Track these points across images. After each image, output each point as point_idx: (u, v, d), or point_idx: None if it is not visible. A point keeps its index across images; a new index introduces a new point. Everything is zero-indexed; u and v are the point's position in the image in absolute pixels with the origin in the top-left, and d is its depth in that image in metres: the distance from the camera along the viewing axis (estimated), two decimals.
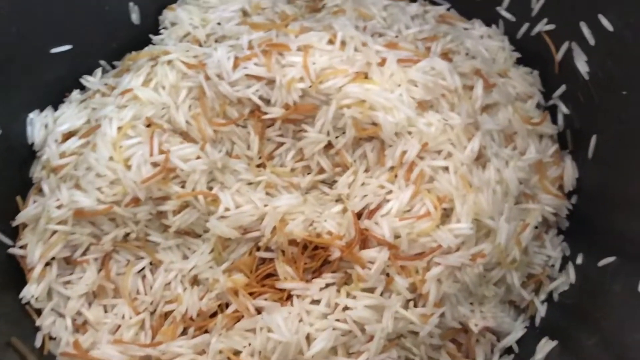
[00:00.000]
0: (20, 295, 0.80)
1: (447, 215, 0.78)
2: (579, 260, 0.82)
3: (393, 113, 0.79)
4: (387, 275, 0.77)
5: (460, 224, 0.76)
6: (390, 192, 0.79)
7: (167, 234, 0.84)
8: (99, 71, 0.94)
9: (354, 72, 0.82)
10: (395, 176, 0.80)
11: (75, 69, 0.92)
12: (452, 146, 0.79)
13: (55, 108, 0.90)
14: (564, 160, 0.88)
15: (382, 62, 0.82)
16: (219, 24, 0.94)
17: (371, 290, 0.76)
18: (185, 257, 0.84)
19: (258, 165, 0.88)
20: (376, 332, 0.75)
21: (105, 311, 0.82)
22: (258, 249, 0.82)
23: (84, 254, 0.82)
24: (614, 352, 0.70)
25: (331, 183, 0.87)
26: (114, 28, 0.95)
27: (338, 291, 0.77)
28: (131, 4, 0.95)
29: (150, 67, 0.89)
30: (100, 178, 0.80)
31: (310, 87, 0.82)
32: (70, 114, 0.88)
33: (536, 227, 0.83)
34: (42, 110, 0.89)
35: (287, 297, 0.79)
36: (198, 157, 0.82)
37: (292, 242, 0.80)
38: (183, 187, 0.81)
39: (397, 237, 0.76)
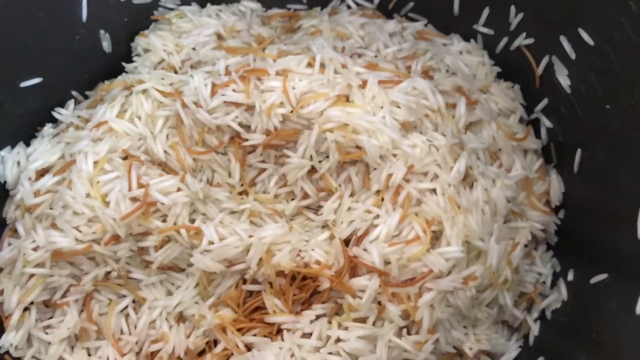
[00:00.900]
0: None
1: (436, 238, 0.76)
2: (570, 276, 0.81)
3: (377, 136, 0.78)
4: (379, 303, 0.75)
5: (450, 248, 0.74)
6: (377, 216, 0.77)
7: (150, 270, 0.81)
8: (71, 103, 0.91)
9: (335, 95, 0.80)
10: (382, 200, 0.78)
11: (46, 102, 0.89)
12: (438, 167, 0.77)
13: (27, 143, 0.87)
14: (549, 175, 0.87)
15: (363, 84, 0.80)
16: (193, 49, 0.92)
17: (363, 320, 0.75)
18: (169, 293, 0.81)
19: (240, 193, 0.86)
20: None
21: (89, 354, 0.79)
22: (244, 281, 0.79)
23: (63, 295, 0.79)
24: None
25: (316, 208, 0.85)
26: (85, 57, 0.92)
27: (329, 322, 0.75)
28: (102, 31, 0.92)
29: (124, 97, 0.86)
30: (77, 216, 0.77)
31: (291, 112, 0.80)
32: (43, 149, 0.85)
33: (526, 245, 0.82)
34: (13, 146, 0.86)
35: (277, 331, 0.77)
36: (179, 189, 0.79)
37: (280, 274, 0.77)
38: (164, 221, 0.79)
39: (387, 263, 0.75)
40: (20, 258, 0.76)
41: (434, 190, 0.77)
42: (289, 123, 0.82)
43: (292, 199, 0.86)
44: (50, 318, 0.79)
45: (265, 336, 0.76)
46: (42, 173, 0.83)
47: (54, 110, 0.89)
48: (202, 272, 0.79)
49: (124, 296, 0.81)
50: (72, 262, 0.78)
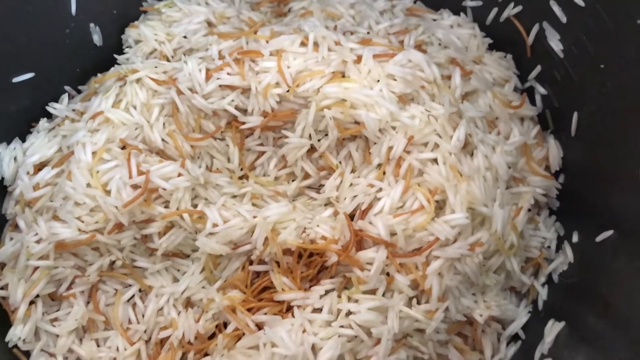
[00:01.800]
0: (7, 339, 0.76)
1: (440, 207, 0.76)
2: (575, 238, 0.81)
3: (375, 109, 0.78)
4: (387, 274, 0.75)
5: (455, 215, 0.74)
6: (380, 189, 0.77)
7: (154, 257, 0.80)
8: (65, 97, 0.90)
9: (330, 72, 0.80)
10: (384, 173, 0.78)
11: (39, 98, 0.89)
12: (438, 137, 0.78)
13: (23, 140, 0.86)
14: (547, 141, 0.88)
15: (358, 60, 0.80)
16: (185, 37, 0.92)
17: (373, 291, 0.74)
18: (175, 280, 0.81)
19: (240, 177, 0.86)
20: (383, 334, 0.72)
21: (98, 345, 0.78)
22: (251, 262, 0.79)
23: (69, 287, 0.78)
24: (624, 328, 0.70)
25: (318, 187, 0.85)
26: (76, 51, 0.92)
27: (339, 296, 0.75)
28: (92, 24, 0.92)
29: (119, 88, 0.86)
30: (79, 207, 0.77)
31: (287, 91, 0.80)
32: (40, 143, 0.84)
33: (529, 210, 0.83)
34: (9, 143, 0.85)
35: (287, 309, 0.76)
36: (179, 175, 0.79)
37: (287, 252, 0.77)
38: (167, 207, 0.78)
39: (393, 234, 0.74)
40: (23, 251, 0.76)
41: (435, 160, 0.77)
42: (285, 103, 0.82)
43: (293, 180, 0.86)
44: (57, 311, 0.78)
45: (275, 314, 0.76)
46: (40, 167, 0.82)
47: (49, 105, 0.89)
48: (207, 256, 0.78)
49: (130, 285, 0.80)
50: (76, 253, 0.78)
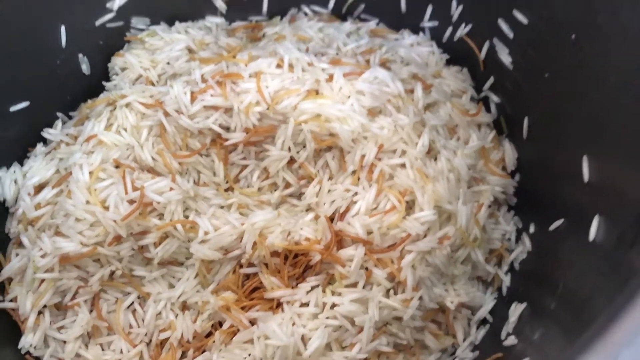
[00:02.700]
0: (19, 346, 0.82)
1: (410, 207, 0.85)
2: (532, 229, 0.91)
3: (347, 122, 0.86)
4: (366, 269, 0.83)
5: (424, 212, 0.83)
6: (355, 194, 0.85)
7: (151, 266, 0.87)
8: (58, 123, 0.97)
9: (305, 90, 0.88)
10: (358, 179, 0.87)
11: (34, 124, 0.95)
12: (405, 144, 0.86)
13: (21, 163, 0.93)
14: (502, 144, 0.97)
15: (330, 78, 0.89)
16: (168, 63, 0.99)
17: (354, 285, 0.82)
18: (171, 286, 0.87)
19: (226, 190, 0.93)
20: (365, 323, 0.80)
21: (103, 349, 0.84)
22: (241, 266, 0.86)
23: (73, 297, 0.84)
24: (575, 306, 0.78)
25: (299, 195, 0.93)
26: (67, 80, 0.98)
27: (323, 291, 0.83)
28: (80, 55, 0.99)
29: (109, 112, 0.93)
30: (80, 222, 0.83)
31: (267, 109, 0.88)
32: (38, 166, 0.90)
33: (489, 207, 0.92)
34: (8, 167, 0.91)
35: (277, 305, 0.84)
36: (171, 189, 0.86)
37: (274, 254, 0.85)
38: (161, 219, 0.85)
39: (369, 233, 0.83)
40: (30, 265, 0.81)
41: (403, 165, 0.86)
42: (265, 120, 0.89)
43: (276, 189, 0.93)
44: (63, 319, 0.84)
45: (266, 311, 0.83)
46: (39, 188, 0.88)
47: (44, 131, 0.95)
48: (200, 262, 0.85)
49: (130, 293, 0.86)
50: (79, 265, 0.84)
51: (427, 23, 1.03)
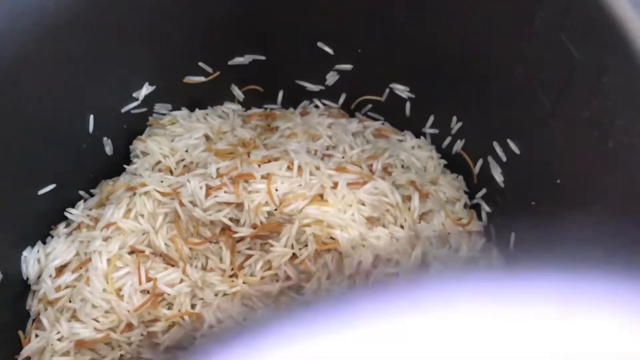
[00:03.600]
0: None
1: None
2: None
3: (347, 230, 0.94)
4: None
5: None
6: None
7: (158, 350, 0.94)
8: (81, 203, 1.04)
9: (311, 195, 0.96)
10: (354, 282, 0.94)
11: (58, 203, 1.02)
12: (399, 255, 0.94)
13: (44, 241, 1.00)
14: (491, 251, 1.05)
15: (335, 186, 0.97)
16: (186, 151, 1.07)
17: None
18: None
19: (230, 276, 1.01)
20: None
21: None
22: None
23: None
24: None
25: (298, 288, 1.01)
26: (91, 162, 1.06)
27: None
28: (105, 138, 1.06)
29: (128, 198, 1.01)
30: (95, 309, 0.90)
31: (275, 210, 0.96)
32: (60, 249, 0.97)
33: None
34: (32, 245, 0.99)
35: None
36: (181, 281, 0.94)
37: None
38: (170, 308, 0.93)
39: None
40: (48, 348, 0.89)
41: (397, 274, 0.93)
42: (272, 218, 0.97)
43: (277, 280, 1.01)
44: None
45: None
46: (60, 269, 0.96)
47: (66, 211, 1.02)
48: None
49: None
50: (92, 348, 0.91)
51: (428, 129, 1.11)
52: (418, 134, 1.13)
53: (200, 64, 1.09)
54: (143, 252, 0.96)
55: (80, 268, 0.95)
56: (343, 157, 1.05)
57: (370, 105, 1.16)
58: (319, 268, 0.99)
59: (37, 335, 0.92)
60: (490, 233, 1.06)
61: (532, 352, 0.43)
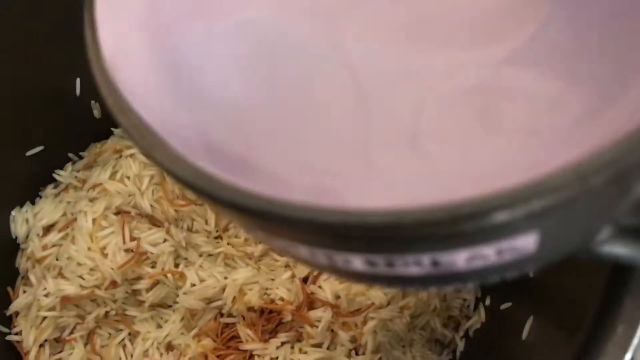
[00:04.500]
0: None
1: None
2: (488, 301, 1.00)
3: None
4: (332, 330, 0.92)
5: None
6: None
7: (142, 307, 0.97)
8: (69, 165, 1.06)
9: None
10: None
11: (46, 164, 1.05)
12: None
13: (32, 202, 1.02)
14: None
15: None
16: None
17: (319, 345, 0.92)
18: (159, 326, 0.97)
19: (215, 237, 1.03)
20: None
21: None
22: (222, 315, 0.96)
23: (71, 332, 0.95)
24: None
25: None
26: (79, 124, 1.07)
27: (292, 348, 0.93)
28: (92, 101, 1.08)
29: (115, 160, 1.03)
30: (80, 266, 0.93)
31: None
32: (48, 209, 1.00)
33: None
34: (21, 206, 1.01)
35: (249, 357, 0.94)
36: (165, 240, 0.96)
37: (251, 309, 0.94)
38: (153, 267, 0.95)
39: (337, 297, 0.92)
40: (35, 304, 0.92)
41: None
42: None
43: (260, 242, 1.03)
44: (61, 352, 0.95)
45: None
46: (47, 229, 0.99)
47: (55, 173, 1.05)
48: (185, 308, 0.95)
49: (121, 330, 0.97)
50: (78, 305, 0.94)
51: None
52: None
53: None
54: (129, 213, 0.98)
55: (67, 227, 0.97)
56: None
57: None
58: None
59: (24, 292, 0.95)
60: None
61: None
